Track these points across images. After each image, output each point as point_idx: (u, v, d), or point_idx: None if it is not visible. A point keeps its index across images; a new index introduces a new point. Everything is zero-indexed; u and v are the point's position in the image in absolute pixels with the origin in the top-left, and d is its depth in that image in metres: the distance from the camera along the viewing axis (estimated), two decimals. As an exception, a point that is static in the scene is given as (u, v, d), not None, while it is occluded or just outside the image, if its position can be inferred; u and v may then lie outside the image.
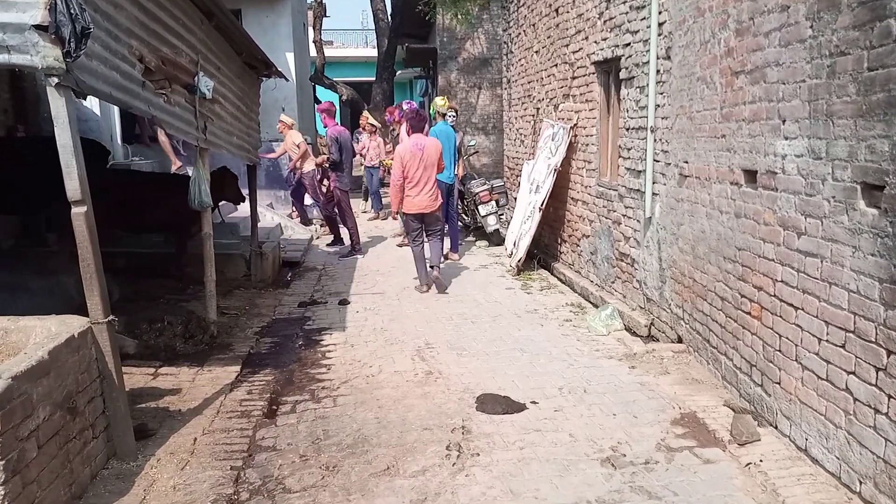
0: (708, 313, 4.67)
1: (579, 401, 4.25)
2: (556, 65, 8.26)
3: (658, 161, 5.51)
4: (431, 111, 9.49)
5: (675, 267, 5.26)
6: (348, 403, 4.25)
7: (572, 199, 7.79)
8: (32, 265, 5.99)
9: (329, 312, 6.41)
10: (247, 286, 7.33)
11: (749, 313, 4.03)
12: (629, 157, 6.11)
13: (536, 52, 9.15)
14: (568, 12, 7.73)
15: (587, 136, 7.29)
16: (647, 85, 5.60)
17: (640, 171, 5.88)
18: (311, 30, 15.66)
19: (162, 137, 10.09)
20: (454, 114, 8.97)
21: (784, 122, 3.56)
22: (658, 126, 5.49)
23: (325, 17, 38.27)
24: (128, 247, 7.54)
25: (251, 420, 4.00)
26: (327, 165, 9.49)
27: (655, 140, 5.54)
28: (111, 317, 3.37)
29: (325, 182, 10.20)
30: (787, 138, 3.54)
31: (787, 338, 3.60)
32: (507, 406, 4.19)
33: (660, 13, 5.39)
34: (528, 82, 9.60)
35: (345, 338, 5.59)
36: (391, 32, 14.36)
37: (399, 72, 23.53)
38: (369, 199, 13.34)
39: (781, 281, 3.64)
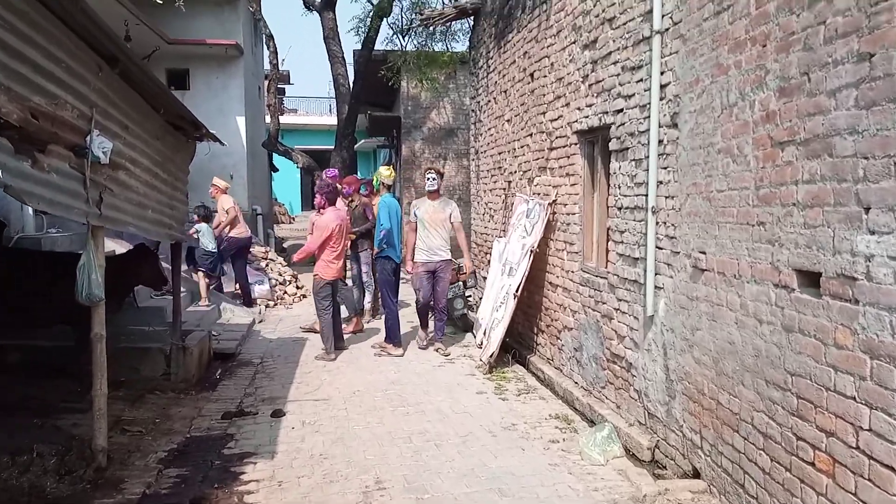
0: (742, 450, 3.60)
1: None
2: (531, 134, 7.39)
3: (662, 248, 4.54)
4: (376, 182, 8.68)
5: (688, 381, 4.22)
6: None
7: (551, 283, 6.79)
8: None
9: (258, 428, 5.17)
10: (164, 388, 6.06)
11: (812, 464, 2.97)
12: (622, 242, 5.14)
13: (508, 120, 8.32)
14: (545, 76, 6.91)
15: (568, 213, 6.35)
16: (646, 157, 4.68)
17: (636, 259, 4.90)
18: (266, 93, 14.78)
19: None
20: (435, 177, 7.74)
21: (868, 210, 2.60)
22: (661, 206, 4.55)
23: (289, 84, 37.83)
24: (22, 339, 6.26)
25: None
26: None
27: (658, 223, 4.59)
28: None
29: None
30: (873, 232, 2.57)
31: (881, 512, 2.54)
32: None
33: (662, 73, 4.52)
34: (499, 153, 8.73)
35: (272, 470, 4.36)
36: (352, 98, 13.55)
37: (362, 141, 22.84)
38: None
39: (870, 430, 2.60)
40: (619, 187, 5.19)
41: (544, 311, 6.99)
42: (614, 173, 5.30)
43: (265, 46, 14.64)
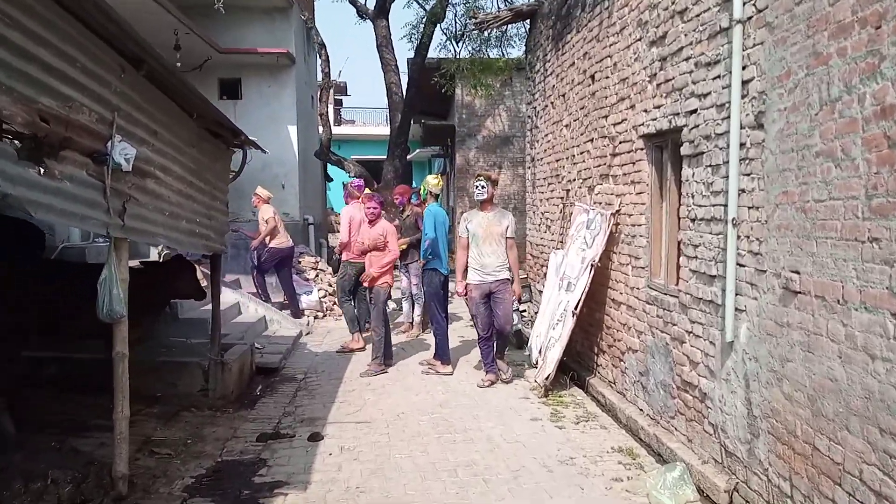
0: (847, 508, 3.03)
1: None
2: (591, 140, 6.89)
3: (744, 266, 3.99)
4: (423, 192, 8.22)
5: (776, 419, 3.65)
6: None
7: (614, 300, 6.25)
8: None
9: (293, 454, 4.80)
10: (201, 405, 5.78)
11: (947, 538, 2.41)
12: (696, 257, 4.60)
13: (567, 125, 7.83)
14: (607, 78, 6.40)
15: (633, 225, 5.82)
16: (725, 163, 4.14)
17: (713, 277, 4.35)
18: (318, 102, 14.63)
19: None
20: (484, 184, 6.72)
21: None
22: (744, 218, 3.99)
23: (346, 95, 38.05)
24: (60, 352, 6.08)
25: None
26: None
27: (740, 237, 4.04)
28: None
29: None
30: None
31: None
32: None
33: (744, 68, 3.98)
34: (557, 160, 8.24)
35: (303, 503, 3.98)
36: (405, 106, 13.24)
37: (417, 150, 22.62)
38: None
39: None
40: (693, 196, 4.65)
41: (606, 331, 6.45)
42: (687, 181, 4.76)
43: (317, 55, 14.51)
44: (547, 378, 6.22)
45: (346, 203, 8.90)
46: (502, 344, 6.90)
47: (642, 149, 5.63)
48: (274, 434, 5.19)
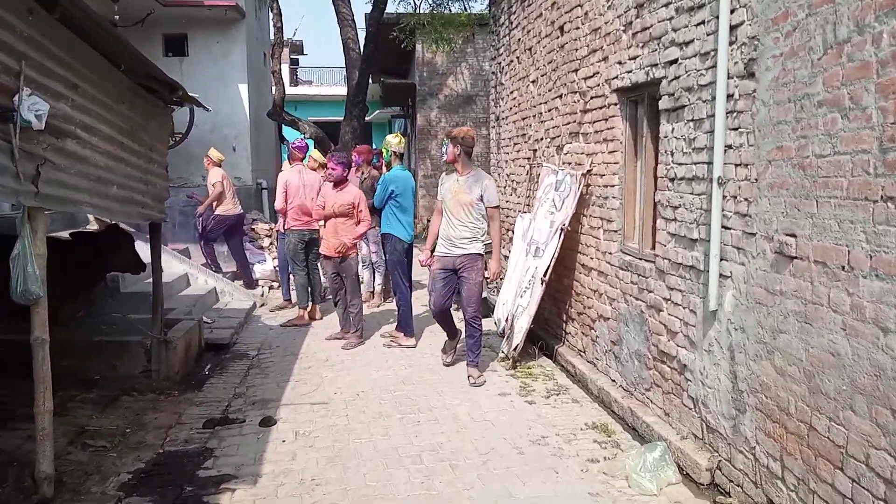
0: (849, 495, 2.76)
1: None
2: (560, 96, 6.49)
3: (730, 228, 3.67)
4: (386, 153, 7.44)
5: (765, 394, 3.37)
6: None
7: (584, 266, 5.94)
8: None
9: (244, 441, 4.40)
10: (143, 388, 5.33)
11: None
12: (675, 219, 4.27)
13: (533, 81, 7.40)
14: (577, 29, 5.98)
15: (605, 186, 5.47)
16: (710, 116, 3.79)
17: (694, 241, 4.03)
18: (271, 60, 13.87)
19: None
20: (449, 144, 5.77)
21: None
22: (731, 176, 3.66)
23: (303, 54, 36.79)
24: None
25: None
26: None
27: (726, 197, 3.71)
28: None
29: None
30: None
31: None
32: None
33: (732, 11, 3.61)
34: (523, 119, 7.83)
35: (252, 501, 3.59)
36: (362, 63, 12.58)
37: (376, 111, 21.95)
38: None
39: None
40: (672, 154, 4.30)
41: (575, 297, 6.15)
42: (665, 137, 4.41)
43: (269, 9, 13.71)
44: (515, 349, 5.90)
45: (291, 165, 8.24)
46: (475, 344, 5.73)
47: (616, 104, 5.26)
48: (222, 419, 4.77)
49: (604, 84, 5.42)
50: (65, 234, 5.77)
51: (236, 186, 11.10)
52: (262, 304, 8.73)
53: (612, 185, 5.34)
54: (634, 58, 4.86)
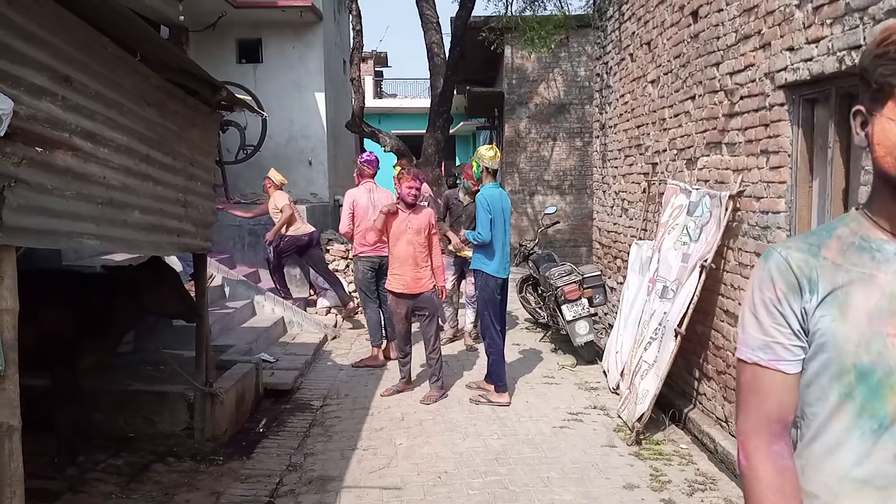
0: None
1: None
2: (692, 97, 5.23)
3: None
4: (476, 168, 6.06)
5: None
6: None
7: (728, 312, 4.65)
8: None
9: (290, 547, 3.36)
10: (182, 452, 4.41)
11: None
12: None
13: (652, 81, 6.15)
14: (721, 11, 4.72)
15: (765, 212, 4.18)
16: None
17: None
18: (350, 66, 13.05)
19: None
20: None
21: None
22: None
23: (387, 66, 36.42)
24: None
25: None
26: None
27: None
28: None
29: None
30: None
31: None
32: None
33: None
34: (637, 126, 6.58)
35: None
36: (447, 69, 11.56)
37: (460, 124, 20.97)
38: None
39: None
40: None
41: (714, 351, 4.85)
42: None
43: (349, 12, 12.93)
44: (640, 419, 4.64)
45: (357, 183, 7.11)
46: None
47: (782, 104, 3.98)
48: (269, 501, 3.76)
49: (763, 79, 4.15)
50: (96, 268, 4.97)
51: (311, 203, 10.30)
52: (335, 337, 7.78)
53: (777, 212, 4.05)
54: (817, 41, 3.57)
